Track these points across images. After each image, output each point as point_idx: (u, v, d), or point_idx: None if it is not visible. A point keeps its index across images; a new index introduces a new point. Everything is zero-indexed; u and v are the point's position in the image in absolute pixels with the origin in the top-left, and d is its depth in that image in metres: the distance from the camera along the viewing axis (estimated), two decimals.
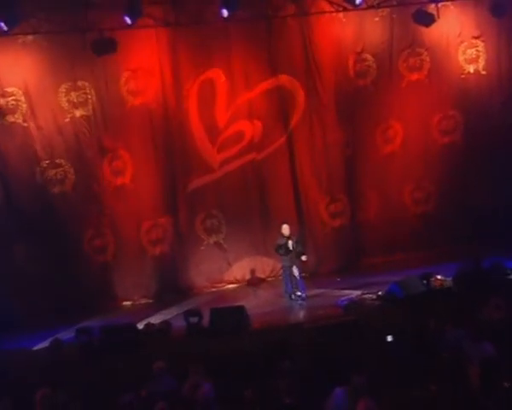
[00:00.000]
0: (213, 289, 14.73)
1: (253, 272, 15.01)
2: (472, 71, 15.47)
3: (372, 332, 10.39)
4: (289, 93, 14.95)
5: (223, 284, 14.88)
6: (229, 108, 14.75)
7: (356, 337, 10.35)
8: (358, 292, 12.41)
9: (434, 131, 15.50)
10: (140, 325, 11.51)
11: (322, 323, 11.02)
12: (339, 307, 11.89)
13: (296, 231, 13.77)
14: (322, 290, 13.29)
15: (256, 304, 12.59)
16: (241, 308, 11.36)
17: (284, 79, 14.92)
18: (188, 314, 11.45)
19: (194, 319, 11.06)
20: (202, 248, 14.76)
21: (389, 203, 15.46)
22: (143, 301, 14.29)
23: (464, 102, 15.39)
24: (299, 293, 12.71)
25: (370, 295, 12.00)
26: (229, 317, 10.97)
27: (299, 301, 12.55)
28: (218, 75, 14.65)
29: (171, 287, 14.48)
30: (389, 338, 9.22)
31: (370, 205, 15.47)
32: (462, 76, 15.47)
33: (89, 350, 10.36)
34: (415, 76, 15.29)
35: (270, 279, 14.94)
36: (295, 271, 12.55)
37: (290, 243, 12.62)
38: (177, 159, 14.55)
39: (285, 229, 12.75)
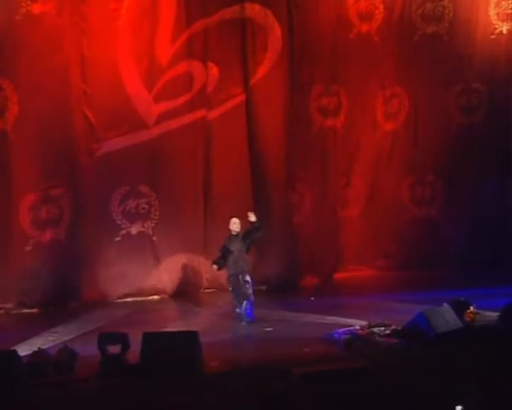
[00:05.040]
0: (130, 300, 12.27)
1: (186, 278, 12.57)
2: (505, 31, 13.52)
3: (394, 390, 7.86)
4: (260, 30, 12.65)
5: (145, 294, 12.42)
6: (176, 39, 12.23)
7: (367, 395, 7.81)
8: (361, 322, 9.97)
9: (451, 108, 13.62)
10: (21, 351, 8.62)
11: (313, 368, 8.25)
12: (333, 344, 9.40)
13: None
14: (293, 314, 11.03)
15: (203, 328, 9.94)
16: (192, 336, 8.51)
17: (255, 8, 12.54)
18: (104, 340, 8.45)
19: (114, 348, 8.40)
20: (118, 239, 12.15)
21: (381, 200, 13.68)
22: (24, 310, 11.66)
23: (492, 71, 13.58)
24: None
25: (380, 329, 9.58)
26: (174, 348, 8.25)
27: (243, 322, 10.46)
28: None
29: (69, 291, 11.86)
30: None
31: (355, 199, 13.57)
32: (493, 36, 13.51)
33: None
34: (431, 28, 13.38)
35: (209, 291, 12.68)
36: (247, 277, 10.66)
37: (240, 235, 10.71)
38: (87, 104, 11.90)
39: (234, 224, 10.75)
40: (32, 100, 11.49)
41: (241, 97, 12.56)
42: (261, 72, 12.60)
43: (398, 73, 13.37)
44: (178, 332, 9.11)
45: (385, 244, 13.55)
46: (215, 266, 10.77)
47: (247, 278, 10.61)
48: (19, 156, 11.52)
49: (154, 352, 8.28)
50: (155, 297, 12.42)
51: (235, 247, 10.65)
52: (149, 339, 8.41)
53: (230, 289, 10.81)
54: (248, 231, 10.75)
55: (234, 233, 10.71)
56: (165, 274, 12.45)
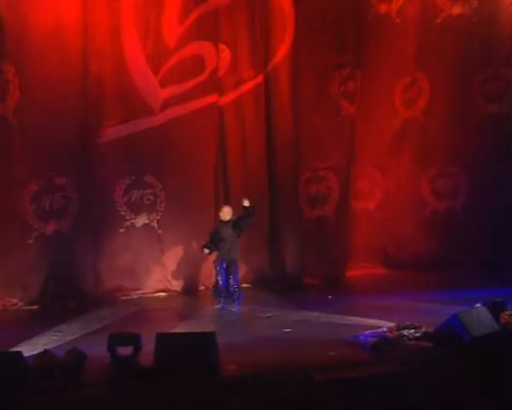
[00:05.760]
0: (136, 297, 11.95)
1: (194, 274, 12.29)
2: None
3: (428, 397, 7.65)
4: (277, 9, 12.13)
5: (151, 290, 12.06)
6: (184, 19, 11.70)
7: (399, 402, 7.67)
8: (386, 323, 9.58)
9: (476, 95, 13.08)
10: (24, 351, 8.18)
11: (340, 373, 7.97)
12: (360, 347, 8.99)
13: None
14: (312, 314, 10.65)
15: (217, 328, 9.72)
16: (209, 337, 8.14)
17: None
18: (114, 340, 8.10)
19: (125, 350, 8.06)
20: (122, 230, 11.78)
21: (399, 193, 13.23)
22: (24, 306, 11.26)
23: None
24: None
25: (410, 331, 9.17)
26: (190, 350, 7.89)
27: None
28: None
29: (71, 287, 11.44)
30: None
31: (372, 191, 13.24)
32: None
33: None
34: (457, 9, 12.79)
35: None
36: (236, 270, 10.99)
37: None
38: (90, 88, 11.47)
39: (222, 213, 10.94)
40: (34, 84, 11.10)
41: (256, 81, 12.13)
42: (279, 54, 12.15)
43: (420, 57, 12.88)
44: (194, 333, 8.72)
45: (404, 240, 13.20)
46: (206, 251, 10.87)
47: (236, 273, 10.80)
48: (20, 143, 11.14)
49: (168, 354, 7.93)
50: (162, 294, 12.05)
51: (226, 234, 10.70)
52: (163, 340, 8.05)
53: (216, 275, 10.91)
54: (240, 216, 10.72)
55: (224, 220, 10.75)
56: (172, 270, 12.08)
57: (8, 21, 10.92)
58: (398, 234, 13.20)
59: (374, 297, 11.43)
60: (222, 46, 11.98)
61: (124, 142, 11.72)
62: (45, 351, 8.08)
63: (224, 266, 10.82)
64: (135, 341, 8.07)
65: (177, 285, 12.13)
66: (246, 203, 10.78)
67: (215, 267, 11.04)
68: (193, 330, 9.36)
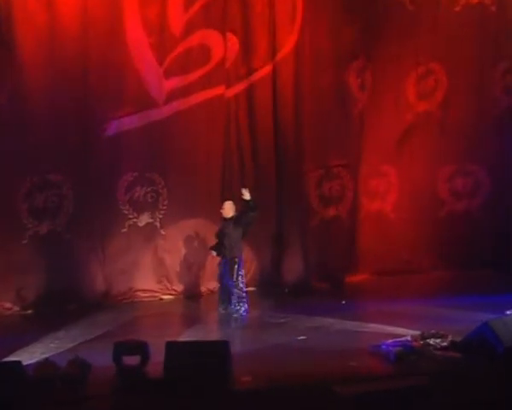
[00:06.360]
0: (138, 300, 11.64)
1: (199, 276, 12.00)
2: None
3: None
4: None
5: (154, 294, 11.74)
6: (190, 5, 11.36)
7: None
8: (408, 331, 9.21)
9: (496, 88, 12.85)
10: (21, 360, 7.78)
11: (363, 387, 7.43)
12: (382, 357, 8.57)
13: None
14: (326, 320, 10.27)
15: (226, 335, 9.35)
16: (223, 346, 7.73)
17: None
18: (120, 350, 7.71)
19: (131, 360, 7.68)
20: (124, 230, 11.46)
21: (414, 191, 12.90)
22: (17, 311, 11.03)
23: None
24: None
25: (436, 340, 8.76)
26: (202, 360, 7.48)
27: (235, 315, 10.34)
28: None
29: (69, 291, 11.10)
30: None
31: (387, 190, 12.91)
32: None
33: None
34: None
35: None
36: (241, 269, 10.57)
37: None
38: (91, 78, 11.10)
39: (227, 210, 10.53)
40: (30, 73, 10.75)
41: (265, 72, 11.83)
42: (288, 44, 11.86)
43: (436, 47, 12.59)
44: (207, 342, 8.39)
45: (420, 241, 12.86)
46: (214, 253, 10.60)
47: (241, 270, 10.41)
48: (13, 135, 10.75)
49: (179, 364, 7.54)
50: (165, 297, 11.73)
51: (228, 231, 10.39)
52: (173, 349, 7.64)
53: (219, 276, 10.63)
54: (242, 212, 10.36)
55: (226, 217, 10.41)
56: (176, 272, 11.79)
57: (4, 6, 10.57)
58: (412, 236, 12.84)
59: (388, 302, 11.06)
60: (229, 35, 11.65)
61: (126, 136, 11.34)
62: (46, 360, 7.71)
63: (228, 265, 10.44)
64: (142, 350, 7.69)
65: (180, 288, 11.81)
66: (246, 196, 10.36)
67: (219, 268, 10.69)
68: (201, 338, 9.11)
